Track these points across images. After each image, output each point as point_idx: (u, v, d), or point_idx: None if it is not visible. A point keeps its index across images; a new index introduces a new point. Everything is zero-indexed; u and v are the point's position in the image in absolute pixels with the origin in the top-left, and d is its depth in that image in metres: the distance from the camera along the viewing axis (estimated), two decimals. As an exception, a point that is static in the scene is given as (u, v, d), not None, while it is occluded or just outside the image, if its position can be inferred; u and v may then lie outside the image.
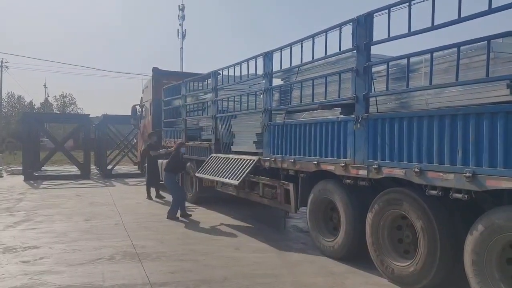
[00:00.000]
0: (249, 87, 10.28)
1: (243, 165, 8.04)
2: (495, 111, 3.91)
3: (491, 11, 3.96)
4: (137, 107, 16.77)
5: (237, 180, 7.81)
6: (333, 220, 6.36)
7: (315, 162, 6.25)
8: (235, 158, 8.45)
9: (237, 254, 6.47)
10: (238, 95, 9.09)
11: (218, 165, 8.96)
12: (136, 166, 18.42)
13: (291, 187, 6.99)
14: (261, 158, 7.74)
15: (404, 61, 5.26)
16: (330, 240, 6.20)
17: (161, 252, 6.52)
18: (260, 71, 7.93)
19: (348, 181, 5.69)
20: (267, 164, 7.58)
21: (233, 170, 8.20)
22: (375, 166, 5.17)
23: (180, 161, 9.98)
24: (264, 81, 7.78)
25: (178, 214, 9.34)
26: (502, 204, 4.05)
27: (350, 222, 5.79)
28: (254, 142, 8.30)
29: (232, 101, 9.23)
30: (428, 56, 4.81)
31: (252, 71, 8.26)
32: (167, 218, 9.17)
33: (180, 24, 29.19)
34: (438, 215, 4.60)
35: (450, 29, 4.54)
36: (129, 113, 17.04)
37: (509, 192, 3.95)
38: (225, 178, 8.24)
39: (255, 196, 8.11)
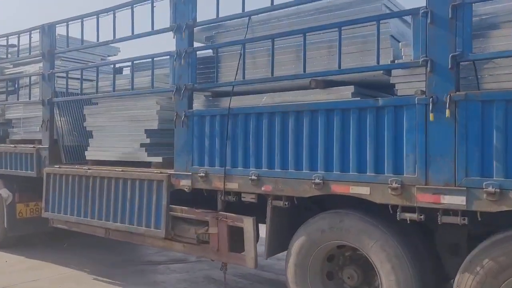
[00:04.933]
0: (101, 59, 6.71)
1: (144, 189, 4.57)
2: None
3: None
4: None
5: (159, 227, 4.46)
6: (342, 278, 3.68)
7: (317, 181, 3.46)
8: (118, 178, 4.80)
9: None
10: (105, 65, 5.38)
11: (84, 192, 5.12)
12: None
13: (248, 223, 3.97)
14: (172, 173, 4.42)
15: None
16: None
17: None
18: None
19: (408, 214, 3.14)
20: (185, 183, 4.31)
21: (128, 203, 4.71)
22: (492, 189, 2.78)
23: None
24: (175, 38, 4.46)
25: None
26: None
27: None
28: (143, 145, 4.90)
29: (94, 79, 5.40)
30: None
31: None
32: None
33: None
34: None
35: None
36: None
37: None
38: (130, 223, 4.70)
39: (156, 239, 4.64)
